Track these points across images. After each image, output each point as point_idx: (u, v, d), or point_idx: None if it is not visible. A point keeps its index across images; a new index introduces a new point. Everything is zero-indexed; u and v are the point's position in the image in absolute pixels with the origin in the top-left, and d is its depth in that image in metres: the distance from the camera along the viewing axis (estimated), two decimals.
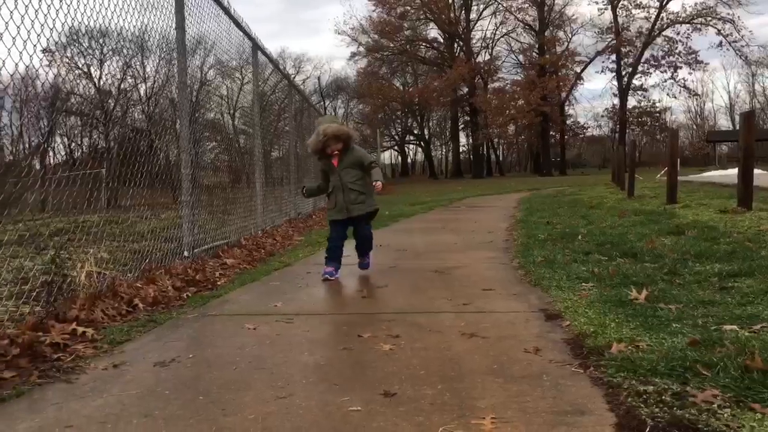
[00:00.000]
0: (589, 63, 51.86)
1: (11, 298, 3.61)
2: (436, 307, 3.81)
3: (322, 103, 54.48)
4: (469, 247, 6.76)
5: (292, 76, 13.95)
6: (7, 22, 3.23)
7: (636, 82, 52.07)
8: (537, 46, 51.72)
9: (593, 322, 3.17)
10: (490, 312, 3.62)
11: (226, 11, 7.42)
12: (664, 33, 49.79)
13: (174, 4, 5.81)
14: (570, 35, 53.03)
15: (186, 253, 5.75)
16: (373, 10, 51.08)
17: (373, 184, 5.09)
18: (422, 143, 64.15)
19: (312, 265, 5.69)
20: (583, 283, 4.16)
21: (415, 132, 63.80)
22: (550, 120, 49.70)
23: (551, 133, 53.22)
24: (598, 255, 5.26)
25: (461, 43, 52.49)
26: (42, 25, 3.57)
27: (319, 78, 57.21)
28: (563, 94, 52.07)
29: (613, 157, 22.57)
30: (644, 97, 52.79)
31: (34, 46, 3.47)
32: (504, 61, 55.19)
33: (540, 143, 53.00)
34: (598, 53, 50.78)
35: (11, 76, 3.45)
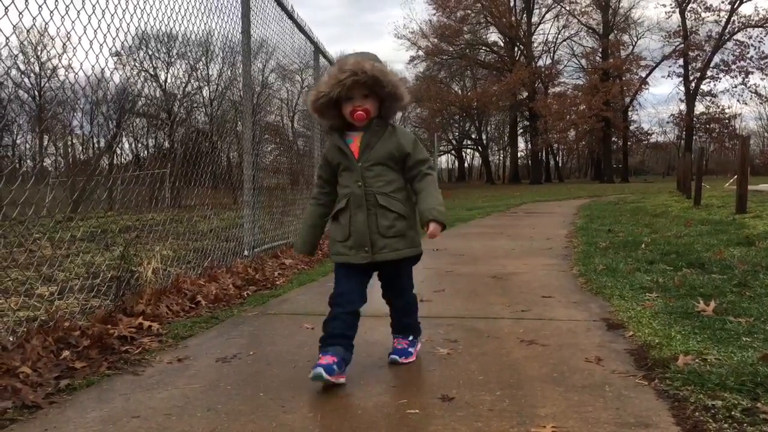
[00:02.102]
0: (655, 67, 50.38)
1: (83, 291, 3.76)
2: (494, 313, 3.76)
3: None
4: (527, 253, 6.65)
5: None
6: (85, 26, 3.37)
7: (704, 87, 50.23)
8: (600, 50, 50.60)
9: (658, 333, 3.07)
10: (549, 319, 3.56)
11: (290, 15, 7.54)
12: (735, 37, 47.88)
13: (240, 9, 5.95)
14: (635, 39, 51.73)
15: (246, 253, 5.87)
16: (434, 14, 51.07)
17: (424, 222, 2.52)
18: (480, 148, 63.64)
19: None
20: (647, 293, 4.04)
21: (473, 136, 63.37)
22: (613, 125, 48.53)
23: (613, 139, 51.97)
24: (663, 265, 5.09)
25: (522, 47, 51.83)
26: (117, 29, 3.71)
27: None
28: (627, 99, 50.78)
29: (679, 164, 21.86)
30: (713, 102, 50.83)
31: (101, 47, 3.61)
32: (566, 66, 54.33)
33: (601, 149, 51.81)
34: (665, 57, 49.27)
35: (87, 78, 3.61)
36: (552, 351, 2.91)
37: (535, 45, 52.82)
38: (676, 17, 48.83)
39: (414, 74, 55.87)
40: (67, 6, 3.14)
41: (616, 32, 50.90)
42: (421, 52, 52.84)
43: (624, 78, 49.68)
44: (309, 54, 9.15)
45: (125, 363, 2.79)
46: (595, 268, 5.12)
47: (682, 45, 48.15)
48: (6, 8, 2.71)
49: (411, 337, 2.86)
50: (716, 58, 48.81)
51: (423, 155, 2.59)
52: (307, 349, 3.02)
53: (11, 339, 2.71)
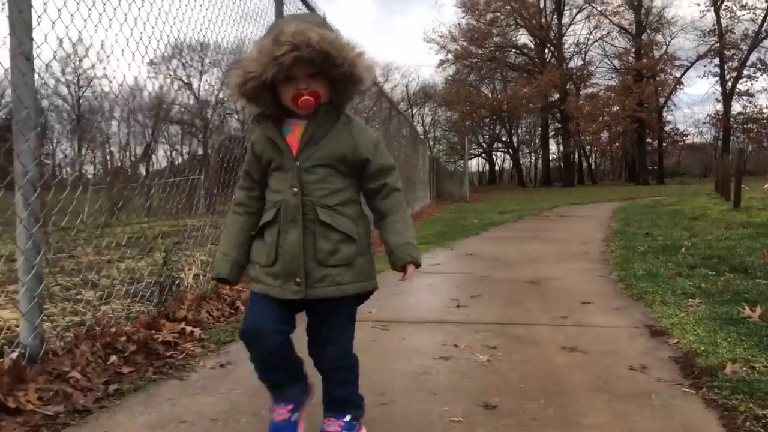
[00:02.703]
0: (690, 67, 49.40)
1: (126, 297, 3.84)
2: (532, 319, 3.73)
3: (410, 110, 54.86)
4: (563, 257, 6.59)
5: (381, 84, 14.09)
6: (117, 35, 3.44)
7: (741, 86, 49.01)
8: (633, 50, 49.84)
9: (703, 340, 3.02)
10: (590, 326, 3.52)
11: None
12: None
13: (274, 16, 6.01)
14: (669, 38, 50.80)
15: None
16: (462, 17, 50.92)
17: (398, 264, 1.93)
18: (510, 151, 63.19)
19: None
20: (690, 299, 3.97)
21: (504, 139, 62.96)
22: (647, 127, 47.69)
23: (648, 140, 51.08)
24: (705, 269, 5.00)
25: (552, 49, 51.34)
26: (150, 37, 3.76)
27: (407, 86, 57.67)
28: (661, 100, 49.90)
29: (717, 165, 21.38)
30: (750, 102, 49.67)
31: (133, 55, 3.65)
32: (598, 66, 53.52)
33: (636, 151, 50.98)
34: (700, 57, 48.28)
35: (120, 87, 3.67)
36: (594, 358, 2.88)
37: (566, 46, 52.26)
38: (710, 16, 47.84)
39: (443, 77, 55.82)
40: (99, 14, 3.18)
41: (649, 32, 50.08)
42: (450, 56, 52.71)
43: (658, 78, 48.84)
44: None
45: (170, 368, 2.84)
46: (635, 273, 5.05)
47: (718, 44, 47.15)
48: (53, 22, 2.78)
49: (348, 417, 2.00)
50: (753, 57, 47.63)
51: (387, 162, 1.93)
52: None
53: (61, 344, 2.78)
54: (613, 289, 4.63)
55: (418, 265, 1.94)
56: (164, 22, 3.85)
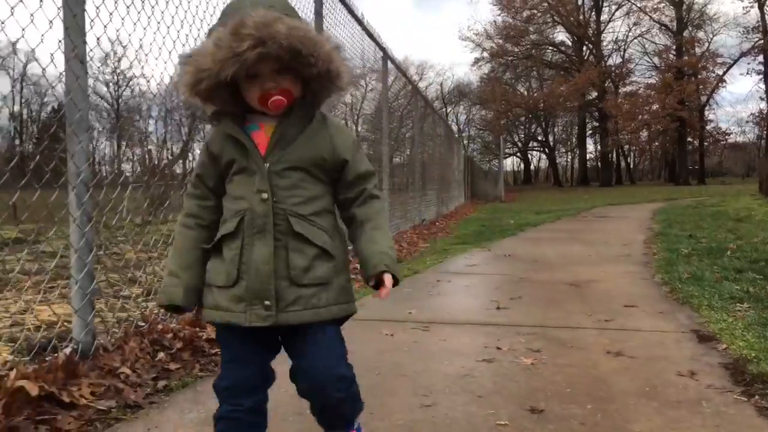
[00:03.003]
0: (733, 64, 48.16)
1: None
2: (575, 322, 3.69)
3: (444, 109, 54.66)
4: (604, 259, 6.49)
5: (416, 82, 14.08)
6: (154, 33, 3.50)
7: None
8: (674, 47, 48.81)
9: (753, 346, 2.94)
10: (635, 330, 3.46)
11: (359, 21, 7.63)
12: None
13: (314, 22, 6.05)
14: (711, 35, 49.61)
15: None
16: (498, 15, 50.52)
17: (372, 274, 1.59)
18: (546, 150, 62.52)
19: (441, 273, 5.69)
20: (738, 304, 3.88)
21: (539, 138, 62.33)
22: (688, 125, 46.69)
23: (689, 139, 50.00)
24: (752, 273, 4.87)
25: (591, 46, 50.60)
26: (187, 35, 3.81)
27: (441, 84, 57.45)
28: (703, 98, 48.78)
29: (761, 165, 20.83)
30: None
31: (170, 54, 3.73)
32: (637, 64, 52.60)
33: (676, 150, 49.94)
34: (743, 54, 47.03)
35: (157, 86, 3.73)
36: (641, 363, 2.83)
37: (605, 43, 51.44)
38: (754, 12, 46.52)
39: (478, 76, 55.50)
40: (138, 13, 3.22)
41: (690, 29, 48.99)
42: (485, 54, 52.37)
43: (700, 76, 47.75)
44: (374, 58, 9.19)
45: (216, 365, 2.88)
46: (680, 276, 4.95)
47: (762, 41, 45.87)
48: (91, 20, 2.83)
49: (356, 425, 1.80)
50: None
51: (367, 168, 1.68)
52: (388, 356, 3.04)
53: (111, 340, 2.85)
54: (657, 293, 4.54)
55: (396, 281, 1.58)
56: (201, 20, 3.91)
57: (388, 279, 1.56)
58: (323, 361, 1.61)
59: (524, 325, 3.64)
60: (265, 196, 1.55)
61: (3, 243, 6.78)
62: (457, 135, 36.43)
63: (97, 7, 2.76)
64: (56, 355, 2.54)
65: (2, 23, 2.33)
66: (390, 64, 9.86)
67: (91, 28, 2.70)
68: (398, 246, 8.11)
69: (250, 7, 1.49)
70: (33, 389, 2.23)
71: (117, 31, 3.01)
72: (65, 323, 3.35)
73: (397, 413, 2.29)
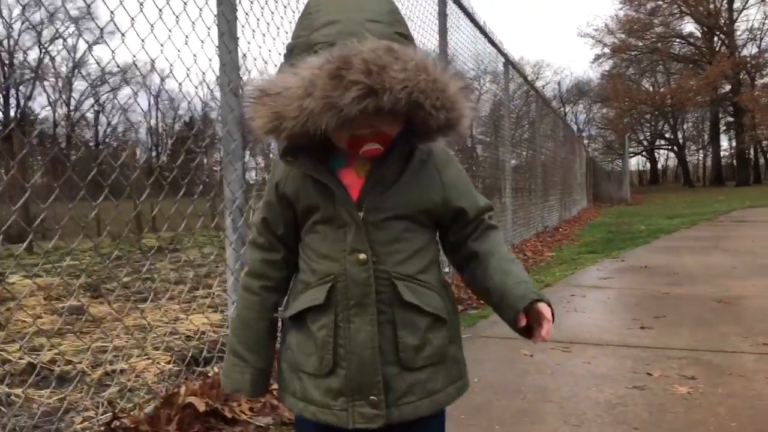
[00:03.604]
0: None
1: None
2: (730, 346, 3.44)
3: (562, 108, 53.05)
4: (753, 272, 6.01)
5: (533, 81, 13.73)
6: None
7: None
8: None
9: None
10: None
11: (482, 30, 7.57)
12: None
13: (438, 29, 6.06)
14: None
15: (446, 269, 5.95)
16: (620, 9, 48.32)
17: (522, 309, 1.23)
18: (675, 148, 58.97)
19: (574, 287, 5.51)
20: None
21: (667, 136, 58.91)
22: None
23: None
24: None
25: (722, 37, 47.18)
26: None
27: (559, 83, 55.84)
28: None
29: None
30: None
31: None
32: None
33: None
34: None
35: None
36: None
37: (738, 33, 47.70)
38: None
39: (599, 73, 53.41)
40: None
41: None
42: (606, 50, 50.26)
43: None
44: (488, 60, 9.01)
45: None
46: None
47: None
48: (243, 55, 3.00)
49: None
50: None
51: (485, 201, 1.35)
52: (531, 379, 2.98)
53: None
54: None
55: (551, 312, 1.26)
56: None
57: (545, 309, 1.23)
58: None
59: (673, 348, 3.45)
60: (363, 257, 1.21)
61: (146, 250, 7.36)
62: (577, 135, 35.25)
63: (248, 43, 2.92)
64: (208, 368, 2.71)
65: (170, 62, 2.53)
66: (511, 70, 9.72)
67: (243, 63, 2.86)
68: (522, 256, 7.95)
69: (345, 15, 1.16)
70: (201, 405, 2.40)
71: (265, 63, 3.18)
72: (211, 333, 3.58)
73: None
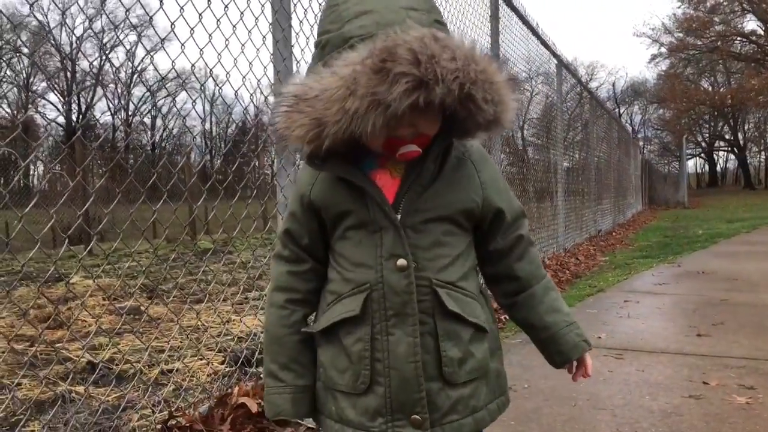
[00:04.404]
0: None
1: None
2: None
3: (617, 109, 51.91)
4: None
5: (586, 83, 13.47)
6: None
7: None
8: None
9: None
10: None
11: (534, 32, 7.49)
12: None
13: (489, 31, 6.03)
14: None
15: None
16: (678, 7, 47.06)
17: (571, 358, 1.27)
18: (735, 149, 56.94)
19: (627, 293, 5.39)
20: None
21: (727, 137, 56.94)
22: None
23: None
24: None
25: None
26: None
27: (613, 84, 54.70)
28: None
29: None
30: None
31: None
32: None
33: None
34: None
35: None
36: None
37: None
38: None
39: (655, 73, 52.12)
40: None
41: None
42: (663, 49, 48.98)
43: None
44: (540, 61, 8.89)
45: None
46: None
47: None
48: (297, 62, 3.05)
49: None
50: None
51: (519, 206, 1.28)
52: (583, 386, 2.93)
53: None
54: None
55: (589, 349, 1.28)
56: None
57: (589, 360, 1.26)
58: None
59: (732, 356, 3.34)
60: (402, 263, 1.12)
61: (202, 252, 7.54)
62: (632, 137, 34.44)
63: (302, 50, 2.98)
64: (260, 369, 2.76)
65: (226, 70, 2.60)
66: (564, 71, 9.58)
67: (297, 69, 2.92)
68: (575, 260, 7.82)
69: (380, 3, 1.06)
70: (253, 406, 2.45)
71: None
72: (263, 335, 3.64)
73: None
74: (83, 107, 43.35)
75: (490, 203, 1.20)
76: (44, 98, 42.70)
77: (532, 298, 1.24)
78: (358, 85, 0.96)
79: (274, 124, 1.08)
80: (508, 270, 1.25)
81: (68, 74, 42.05)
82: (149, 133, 46.50)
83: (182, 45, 2.33)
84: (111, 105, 44.65)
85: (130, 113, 46.22)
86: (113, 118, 45.49)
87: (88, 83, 42.22)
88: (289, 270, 1.23)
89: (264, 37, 2.76)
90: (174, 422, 2.29)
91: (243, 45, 2.64)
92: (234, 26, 2.57)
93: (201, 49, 2.41)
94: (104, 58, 36.26)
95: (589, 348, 1.26)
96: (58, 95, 42.72)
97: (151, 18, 2.18)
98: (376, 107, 0.96)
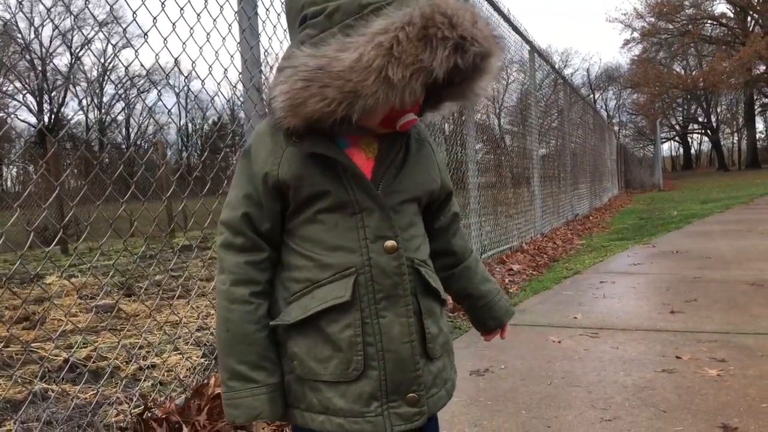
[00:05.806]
0: None
1: None
2: (763, 328, 3.38)
3: (591, 95, 52.33)
4: None
5: (560, 70, 13.56)
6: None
7: None
8: None
9: None
10: None
11: (506, 18, 7.52)
12: None
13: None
14: None
15: None
16: None
17: (501, 324, 1.38)
18: (709, 132, 57.76)
19: (603, 274, 5.46)
20: None
21: (700, 120, 57.73)
22: None
23: None
24: None
25: (756, 16, 46.00)
26: None
27: (588, 70, 55.13)
28: None
29: None
30: None
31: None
32: None
33: None
34: None
35: None
36: None
37: None
38: None
39: (628, 58, 52.58)
40: None
41: None
42: (636, 34, 49.43)
43: None
44: (514, 49, 8.88)
45: None
46: None
47: None
48: (265, 51, 3.04)
49: None
50: None
51: (450, 184, 1.31)
52: (558, 365, 2.97)
53: None
54: None
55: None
56: None
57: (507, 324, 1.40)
58: None
59: (704, 331, 3.40)
60: (391, 244, 1.10)
61: (178, 250, 7.48)
62: (607, 122, 34.79)
63: (269, 38, 2.96)
64: None
65: (192, 59, 2.58)
66: (537, 58, 9.63)
67: (265, 58, 2.90)
68: (552, 244, 7.89)
69: None
70: None
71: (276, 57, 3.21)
72: None
73: (575, 427, 2.24)
74: (55, 107, 42.67)
75: (445, 184, 1.26)
76: (14, 98, 41.96)
77: (468, 270, 1.33)
78: (404, 52, 0.94)
79: (275, 98, 1.02)
80: (446, 245, 1.30)
81: (38, 73, 41.36)
82: (124, 131, 45.93)
83: (145, 35, 2.30)
84: (84, 102, 44.00)
85: (102, 112, 45.56)
86: (86, 118, 44.85)
87: (59, 82, 41.54)
88: (246, 260, 1.13)
89: (230, 25, 2.74)
90: (150, 414, 2.28)
91: (208, 34, 2.61)
92: (198, 15, 2.54)
93: (165, 39, 2.39)
94: (74, 57, 35.67)
95: (512, 314, 1.40)
96: (29, 94, 42.00)
97: (111, 6, 2.15)
98: (420, 74, 0.95)
